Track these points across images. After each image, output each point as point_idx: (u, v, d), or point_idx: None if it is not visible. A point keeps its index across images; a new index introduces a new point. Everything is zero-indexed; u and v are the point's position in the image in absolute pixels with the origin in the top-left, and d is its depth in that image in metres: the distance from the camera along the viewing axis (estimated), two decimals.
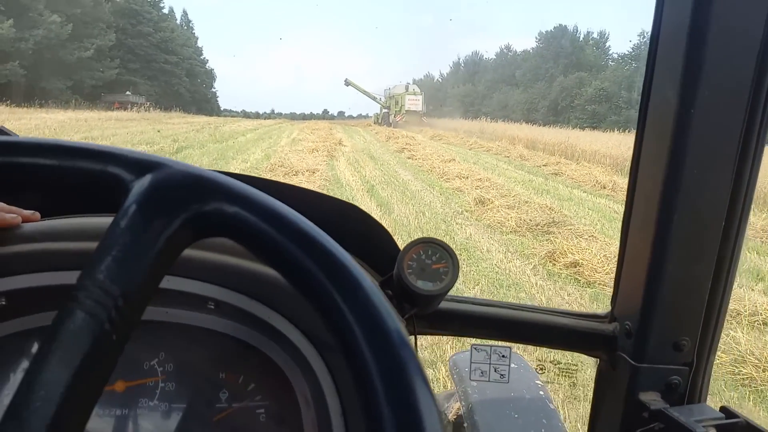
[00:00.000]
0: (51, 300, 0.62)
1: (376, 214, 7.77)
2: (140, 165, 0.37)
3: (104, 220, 0.64)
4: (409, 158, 15.32)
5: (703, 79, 0.69)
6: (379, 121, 43.75)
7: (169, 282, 0.62)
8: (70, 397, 0.30)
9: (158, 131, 18.42)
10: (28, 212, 0.66)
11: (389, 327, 0.32)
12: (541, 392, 1.12)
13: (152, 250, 0.34)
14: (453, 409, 1.24)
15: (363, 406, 0.30)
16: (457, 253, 0.77)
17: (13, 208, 0.64)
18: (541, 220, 7.30)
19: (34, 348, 0.65)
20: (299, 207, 0.46)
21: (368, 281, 0.34)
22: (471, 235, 6.93)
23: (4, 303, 0.60)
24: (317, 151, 14.56)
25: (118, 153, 0.38)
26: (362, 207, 0.86)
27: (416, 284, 0.74)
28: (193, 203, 0.36)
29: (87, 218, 0.70)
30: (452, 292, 0.80)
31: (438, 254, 0.76)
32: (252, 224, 0.35)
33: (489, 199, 8.50)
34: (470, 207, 8.44)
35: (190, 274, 0.63)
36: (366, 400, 0.30)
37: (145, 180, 0.36)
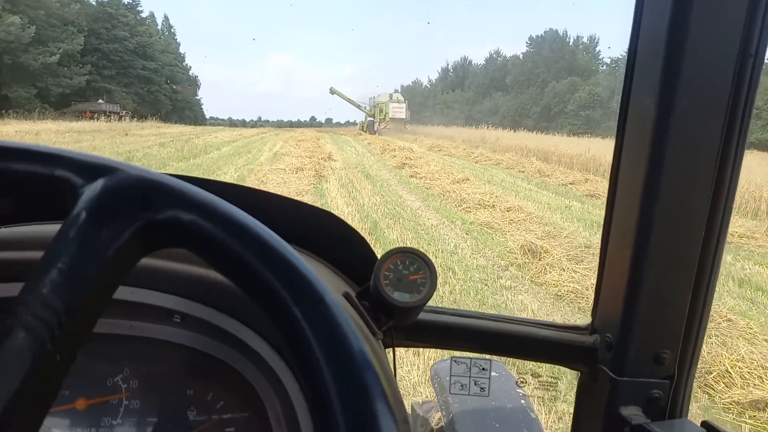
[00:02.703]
0: None
1: None
2: (91, 169, 0.34)
3: (51, 228, 0.62)
4: (412, 177, 12.89)
5: (681, 88, 0.68)
6: (365, 128, 44.51)
7: (132, 294, 0.60)
8: (7, 423, 0.27)
9: (116, 146, 15.78)
10: None
11: (352, 346, 0.30)
12: (522, 401, 1.10)
13: (101, 261, 0.32)
14: (435, 418, 1.25)
15: (319, 430, 0.29)
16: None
17: None
18: None
19: None
20: (270, 214, 0.46)
21: (331, 296, 0.32)
22: (535, 311, 4.57)
23: None
24: (302, 170, 12.06)
25: (68, 155, 0.35)
26: None
27: (393, 296, 0.72)
28: (146, 211, 0.33)
29: (33, 226, 0.66)
30: (431, 303, 0.78)
31: (416, 264, 0.75)
32: (209, 233, 0.33)
33: (542, 248, 6.08)
34: (516, 257, 6.03)
35: (154, 286, 0.60)
36: (323, 425, 0.28)
37: (97, 185, 0.34)
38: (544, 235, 6.95)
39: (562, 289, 5.06)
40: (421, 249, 0.75)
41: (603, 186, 12.41)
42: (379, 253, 0.77)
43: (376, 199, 9.64)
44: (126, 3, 53.88)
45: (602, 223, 0.84)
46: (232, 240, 0.33)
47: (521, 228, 7.42)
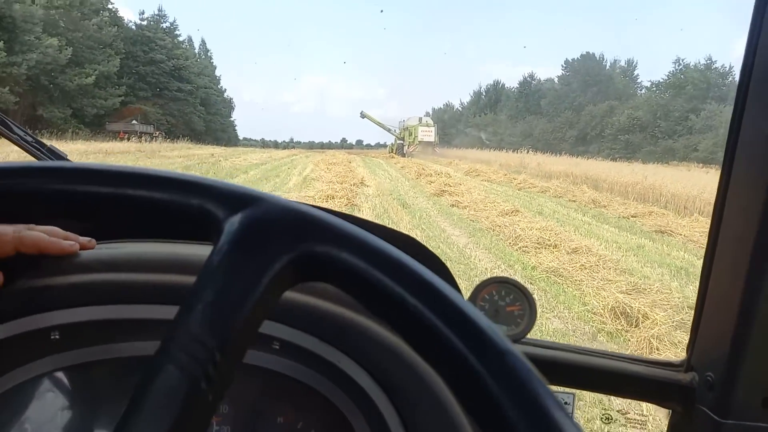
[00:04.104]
0: (105, 333, 0.60)
1: None
2: (236, 199, 0.34)
3: (162, 249, 0.65)
4: (453, 206, 11.63)
5: None
6: (394, 151, 45.40)
7: None
8: None
9: None
10: (84, 239, 0.62)
11: (546, 402, 0.26)
12: None
13: (253, 294, 0.31)
14: None
15: None
16: None
17: (70, 234, 0.61)
18: None
19: (83, 381, 0.62)
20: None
21: (511, 345, 0.29)
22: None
23: (57, 337, 0.57)
24: (333, 198, 10.96)
25: (211, 185, 0.35)
26: None
27: None
28: (298, 243, 0.32)
29: (143, 245, 0.67)
30: None
31: (512, 295, 0.71)
32: (363, 272, 0.31)
33: (638, 312, 4.72)
34: (604, 322, 4.69)
35: None
36: None
37: (241, 216, 0.33)
38: (630, 288, 5.58)
39: None
40: None
41: (672, 220, 10.90)
42: None
43: (416, 233, 8.40)
44: (164, 27, 54.86)
45: (702, 259, 0.80)
46: (387, 280, 0.30)
47: (597, 277, 6.07)
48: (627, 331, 4.49)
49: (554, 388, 0.85)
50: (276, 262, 0.31)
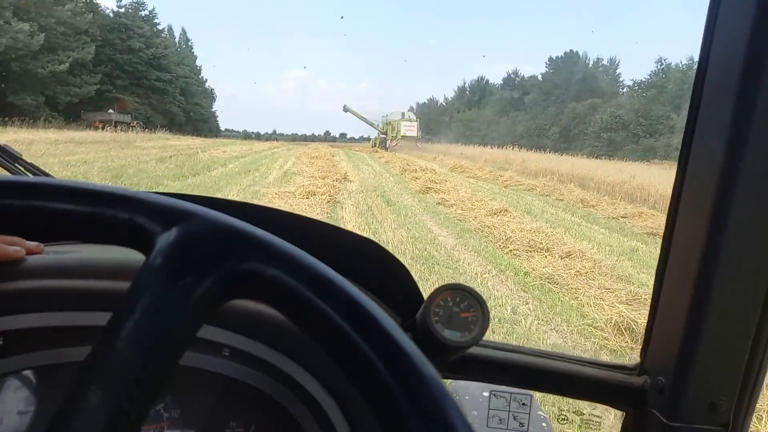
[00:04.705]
0: (51, 339, 0.60)
1: None
2: (167, 214, 0.33)
3: (110, 256, 0.63)
4: (439, 204, 11.22)
5: (753, 127, 0.64)
6: (377, 145, 45.68)
7: None
8: None
9: (109, 159, 14.29)
10: (32, 244, 0.61)
11: (456, 428, 0.27)
12: None
13: (179, 313, 0.30)
14: None
15: None
16: None
17: (16, 239, 0.60)
18: None
19: (29, 386, 0.62)
20: (310, 241, 0.48)
21: (432, 369, 0.29)
22: None
23: (1, 343, 0.57)
24: (315, 194, 10.43)
25: (143, 199, 0.34)
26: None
27: (443, 333, 0.71)
28: (225, 261, 0.32)
29: (94, 248, 0.66)
30: None
31: (466, 302, 0.73)
32: (292, 289, 0.31)
33: (643, 327, 4.35)
34: (606, 338, 4.31)
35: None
36: None
37: (173, 232, 0.32)
38: (631, 298, 5.22)
39: None
40: None
41: (663, 222, 10.65)
42: None
43: (401, 234, 7.98)
44: (143, 15, 53.34)
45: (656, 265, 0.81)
46: (316, 299, 0.31)
47: (593, 284, 5.71)
48: (632, 349, 4.13)
49: (513, 389, 0.90)
50: (205, 281, 0.31)
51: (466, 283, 0.75)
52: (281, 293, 0.31)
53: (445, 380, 0.91)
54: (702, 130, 0.71)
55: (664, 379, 0.78)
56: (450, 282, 0.76)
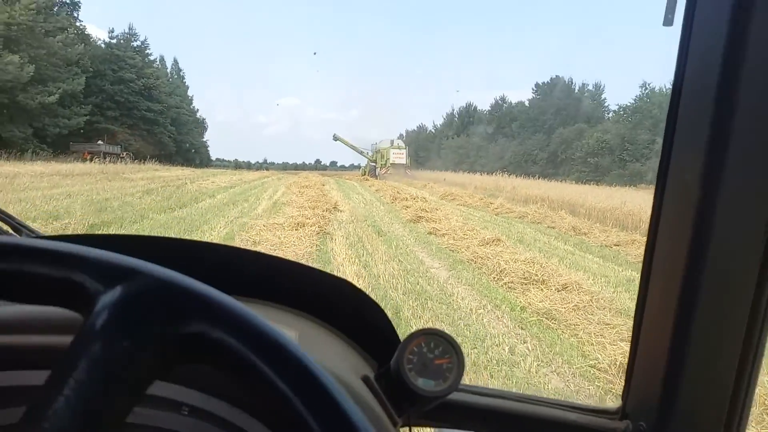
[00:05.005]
0: None
1: None
2: (109, 271, 0.31)
3: (49, 309, 0.62)
4: (431, 233, 11.07)
5: (731, 143, 0.63)
6: (367, 173, 46.36)
7: None
8: None
9: (94, 192, 14.03)
10: None
11: None
12: None
13: (114, 387, 0.28)
14: None
15: None
16: None
17: None
18: None
19: None
20: (281, 284, 0.47)
21: None
22: None
23: None
24: (304, 225, 10.25)
25: (86, 255, 0.31)
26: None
27: (417, 383, 0.68)
28: (168, 324, 0.30)
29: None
30: None
31: (441, 347, 0.71)
32: (238, 354, 0.29)
33: None
34: (611, 382, 4.12)
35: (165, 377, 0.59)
36: None
37: (115, 292, 0.30)
38: (622, 334, 5.05)
39: None
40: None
41: None
42: None
43: (393, 266, 7.80)
44: (134, 46, 53.69)
45: (635, 306, 0.79)
46: (263, 364, 0.29)
47: (593, 320, 5.54)
48: None
49: None
50: (144, 347, 0.29)
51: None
52: (226, 357, 0.30)
53: (428, 428, 0.89)
54: (678, 158, 0.70)
55: (645, 424, 0.76)
56: (426, 327, 0.73)
